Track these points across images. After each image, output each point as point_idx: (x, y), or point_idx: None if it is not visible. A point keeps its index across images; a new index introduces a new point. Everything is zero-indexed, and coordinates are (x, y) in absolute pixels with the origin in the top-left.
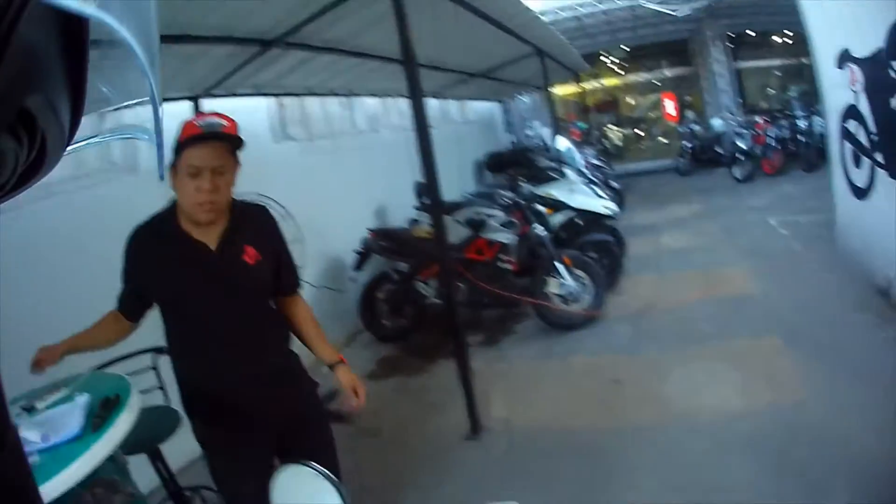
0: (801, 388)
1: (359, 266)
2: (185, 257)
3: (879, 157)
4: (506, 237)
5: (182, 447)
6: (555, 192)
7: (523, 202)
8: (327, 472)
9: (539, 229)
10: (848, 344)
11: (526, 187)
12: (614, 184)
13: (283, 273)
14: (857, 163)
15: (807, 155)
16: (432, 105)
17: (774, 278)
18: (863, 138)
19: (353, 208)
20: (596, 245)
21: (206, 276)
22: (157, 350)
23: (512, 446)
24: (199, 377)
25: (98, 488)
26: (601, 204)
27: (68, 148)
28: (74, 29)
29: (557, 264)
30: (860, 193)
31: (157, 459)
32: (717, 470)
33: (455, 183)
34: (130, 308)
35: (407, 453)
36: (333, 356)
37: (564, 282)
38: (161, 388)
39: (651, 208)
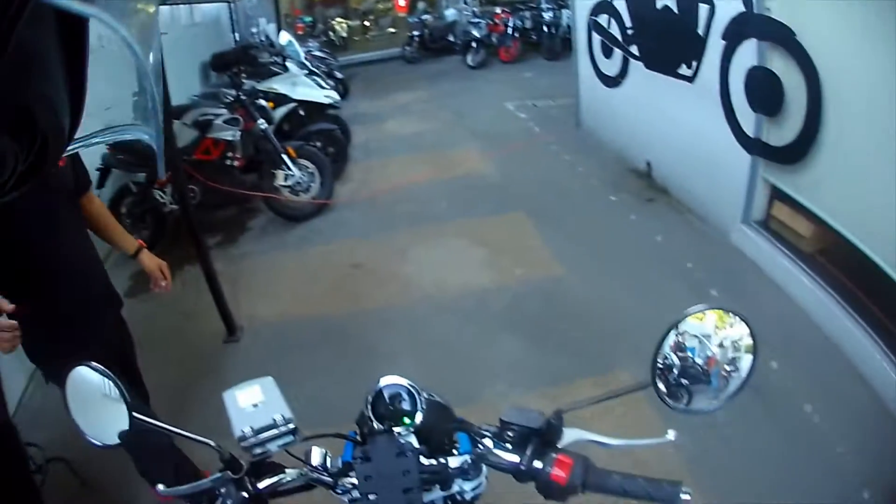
0: (554, 263)
1: (101, 184)
2: None
3: (634, 50)
4: (230, 134)
5: None
6: (277, 85)
7: (246, 98)
8: (107, 370)
9: (262, 124)
10: (603, 220)
11: (249, 83)
12: (338, 74)
13: (79, 171)
14: (608, 54)
15: (550, 45)
16: (163, 11)
17: (513, 159)
18: (616, 32)
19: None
20: (320, 134)
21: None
22: None
23: (267, 342)
24: (41, 312)
25: None
26: (323, 94)
27: (68, 148)
28: (74, 29)
29: (283, 156)
30: (610, 82)
31: None
32: (473, 345)
33: (183, 87)
34: None
35: (171, 364)
36: (134, 244)
37: (290, 173)
38: None
39: (377, 96)
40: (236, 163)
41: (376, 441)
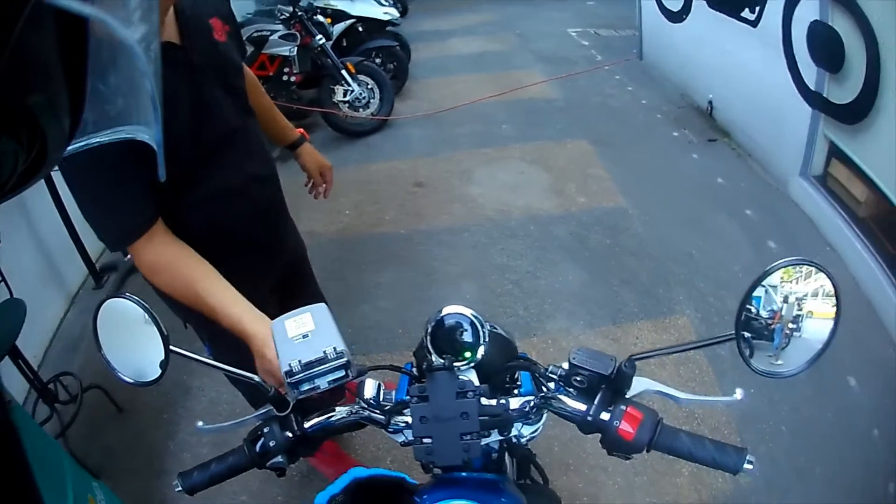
0: (617, 194)
1: None
2: None
3: None
4: (287, 50)
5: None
6: (334, 1)
7: (302, 13)
8: (140, 300)
9: (320, 39)
10: (666, 156)
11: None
12: None
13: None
14: None
15: None
16: None
17: (576, 86)
18: None
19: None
20: (380, 51)
21: None
22: None
23: (326, 259)
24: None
25: None
26: (381, 10)
27: (68, 148)
28: (74, 29)
29: (342, 72)
30: (674, 17)
31: (17, 357)
32: (536, 273)
33: (236, 4)
34: None
35: None
36: (294, 132)
37: (350, 88)
38: (2, 279)
39: (438, 16)
40: (294, 78)
41: (434, 378)
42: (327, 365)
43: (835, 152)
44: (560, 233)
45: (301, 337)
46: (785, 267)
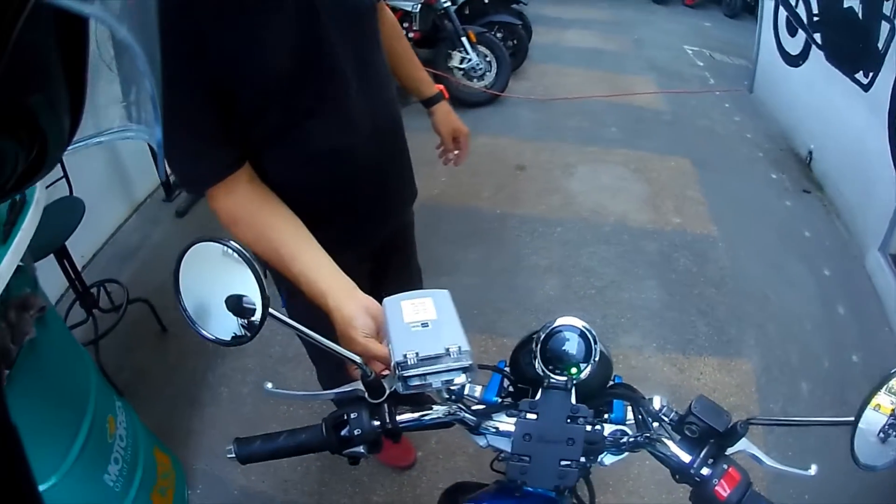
0: (710, 223)
1: None
2: None
3: (818, 38)
4: (410, 5)
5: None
6: None
7: None
8: (244, 249)
9: (445, 1)
10: (761, 196)
11: None
12: None
13: None
14: (793, 32)
15: (732, 2)
16: None
17: (686, 103)
18: (803, 13)
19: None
20: (502, 26)
21: None
22: None
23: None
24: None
25: (11, 311)
26: None
27: (68, 148)
28: (74, 29)
29: (463, 39)
30: (791, 61)
31: (63, 258)
32: (619, 283)
33: None
34: None
35: None
36: (433, 87)
37: (468, 57)
38: (65, 176)
39: (560, 4)
40: (412, 35)
41: (549, 396)
42: (448, 364)
43: None
44: (651, 249)
45: (420, 325)
46: None
